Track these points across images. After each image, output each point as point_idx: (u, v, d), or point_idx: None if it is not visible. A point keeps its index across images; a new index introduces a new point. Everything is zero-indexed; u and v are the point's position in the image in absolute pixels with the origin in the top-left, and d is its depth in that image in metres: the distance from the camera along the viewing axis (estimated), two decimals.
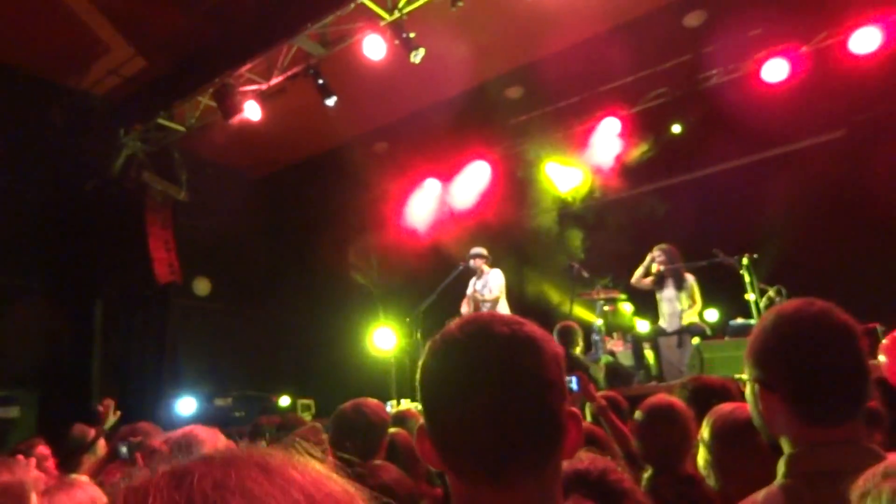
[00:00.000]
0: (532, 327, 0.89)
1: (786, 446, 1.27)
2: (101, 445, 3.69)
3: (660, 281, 6.54)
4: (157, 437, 2.77)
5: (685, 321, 6.25)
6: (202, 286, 9.56)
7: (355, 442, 2.30)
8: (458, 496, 0.85)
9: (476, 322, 0.89)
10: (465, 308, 7.11)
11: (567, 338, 4.20)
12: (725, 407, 1.90)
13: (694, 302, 6.35)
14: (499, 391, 0.81)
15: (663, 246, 6.53)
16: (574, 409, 0.87)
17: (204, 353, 9.23)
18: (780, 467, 1.25)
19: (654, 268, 6.46)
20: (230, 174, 10.13)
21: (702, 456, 1.86)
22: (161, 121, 8.35)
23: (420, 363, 0.90)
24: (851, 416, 1.23)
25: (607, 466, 1.27)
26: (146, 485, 0.47)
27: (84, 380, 8.26)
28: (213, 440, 2.51)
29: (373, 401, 2.56)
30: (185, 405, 7.98)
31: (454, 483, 0.85)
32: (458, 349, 0.86)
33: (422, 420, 0.90)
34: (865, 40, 6.90)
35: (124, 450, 2.74)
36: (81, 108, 8.44)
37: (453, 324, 0.90)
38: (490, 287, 6.99)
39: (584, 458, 1.38)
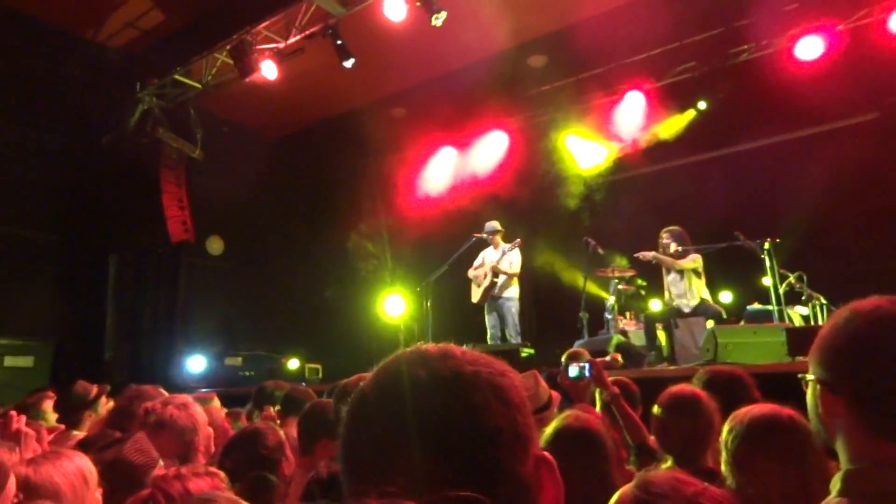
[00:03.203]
0: (467, 358, 0.70)
1: (844, 459, 1.13)
2: (103, 403, 3.66)
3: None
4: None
5: (694, 300, 6.06)
6: (215, 245, 9.52)
7: None
8: None
9: (388, 371, 0.71)
10: (475, 275, 7.08)
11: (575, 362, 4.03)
12: (748, 408, 1.80)
13: (699, 276, 6.12)
14: (425, 458, 0.62)
15: (672, 228, 6.35)
16: (544, 453, 0.70)
17: (215, 312, 9.24)
18: (836, 483, 1.11)
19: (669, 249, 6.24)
20: (245, 134, 9.98)
21: (722, 457, 1.78)
22: (177, 77, 8.18)
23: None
24: None
25: None
26: None
27: (97, 333, 8.29)
28: (199, 415, 2.45)
29: None
30: (196, 363, 8.00)
31: None
32: (371, 412, 0.68)
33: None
34: None
35: None
36: (97, 60, 8.28)
37: (370, 377, 0.73)
38: (512, 261, 6.92)
39: None
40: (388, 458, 0.64)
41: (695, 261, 6.10)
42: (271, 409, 3.82)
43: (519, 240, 6.85)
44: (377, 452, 0.65)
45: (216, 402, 3.11)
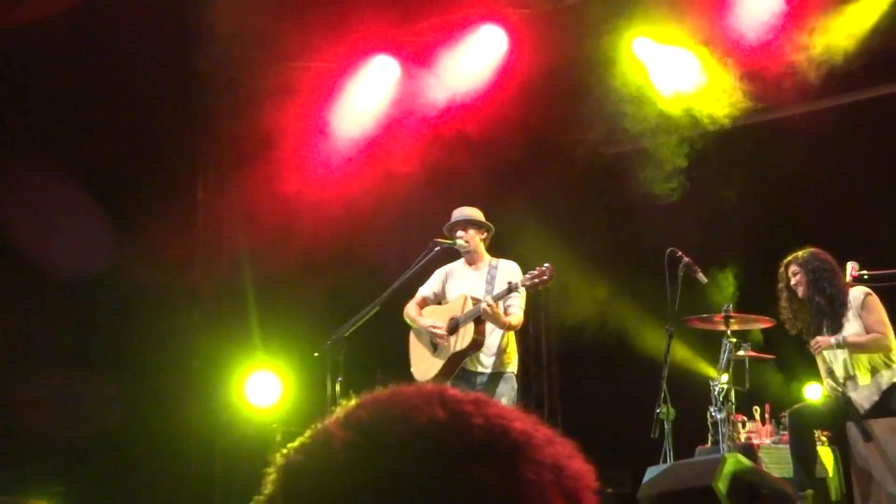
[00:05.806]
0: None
1: None
2: None
3: (816, 318, 6.71)
4: None
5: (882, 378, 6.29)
6: None
7: None
8: None
9: (377, 408, 0.92)
10: (429, 326, 7.12)
11: None
12: None
13: (876, 331, 6.44)
14: None
15: (798, 256, 6.69)
16: None
17: None
18: None
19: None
20: None
21: None
22: None
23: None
24: None
25: None
26: None
27: None
28: None
29: None
30: None
31: None
32: (350, 462, 0.86)
33: None
34: None
35: None
36: None
37: (336, 418, 0.93)
38: (512, 299, 6.94)
39: None
40: None
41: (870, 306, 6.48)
42: None
43: (549, 266, 6.84)
44: None
45: None
